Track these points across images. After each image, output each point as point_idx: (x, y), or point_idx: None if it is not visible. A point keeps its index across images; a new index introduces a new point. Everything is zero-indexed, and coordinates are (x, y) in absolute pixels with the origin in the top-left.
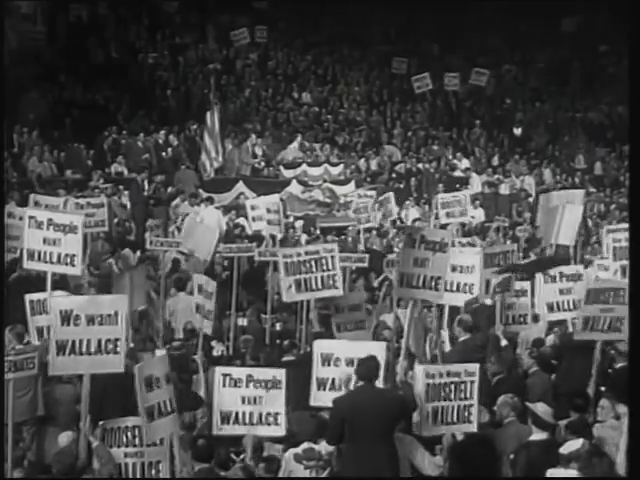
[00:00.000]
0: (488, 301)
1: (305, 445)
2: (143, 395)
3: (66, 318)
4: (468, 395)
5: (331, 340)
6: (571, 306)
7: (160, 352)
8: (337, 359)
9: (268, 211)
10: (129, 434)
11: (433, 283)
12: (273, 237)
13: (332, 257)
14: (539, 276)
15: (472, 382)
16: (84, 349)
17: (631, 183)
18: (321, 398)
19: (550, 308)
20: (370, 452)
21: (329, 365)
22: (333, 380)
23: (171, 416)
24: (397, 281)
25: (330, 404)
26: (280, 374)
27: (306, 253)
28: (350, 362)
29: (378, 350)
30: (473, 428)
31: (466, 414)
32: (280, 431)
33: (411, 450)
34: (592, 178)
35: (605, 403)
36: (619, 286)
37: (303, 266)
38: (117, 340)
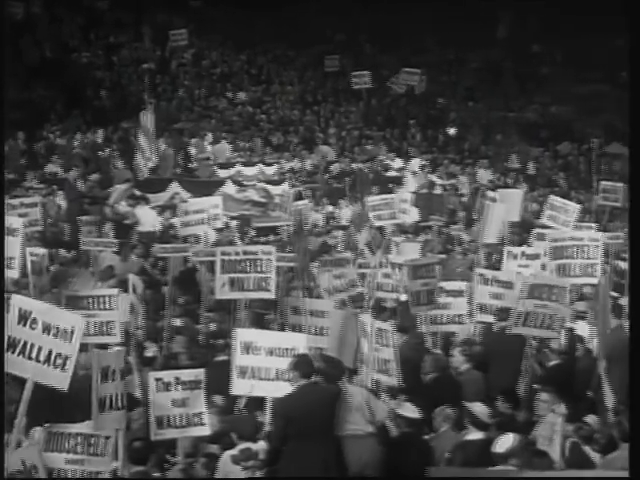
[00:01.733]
0: (403, 297)
1: (242, 445)
2: (97, 385)
3: (23, 318)
4: None
5: (252, 329)
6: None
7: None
8: (257, 348)
9: (200, 212)
10: (72, 441)
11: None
12: (206, 237)
13: (268, 260)
14: (476, 277)
15: None
16: (33, 354)
17: (631, 183)
18: (241, 386)
19: (481, 309)
20: (318, 449)
21: (249, 354)
22: (253, 369)
23: (121, 412)
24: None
25: (249, 393)
26: (200, 374)
27: (244, 253)
28: (270, 352)
29: (299, 342)
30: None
31: None
32: (206, 430)
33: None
34: (525, 177)
35: (546, 397)
36: (557, 284)
37: (239, 265)
38: (67, 358)
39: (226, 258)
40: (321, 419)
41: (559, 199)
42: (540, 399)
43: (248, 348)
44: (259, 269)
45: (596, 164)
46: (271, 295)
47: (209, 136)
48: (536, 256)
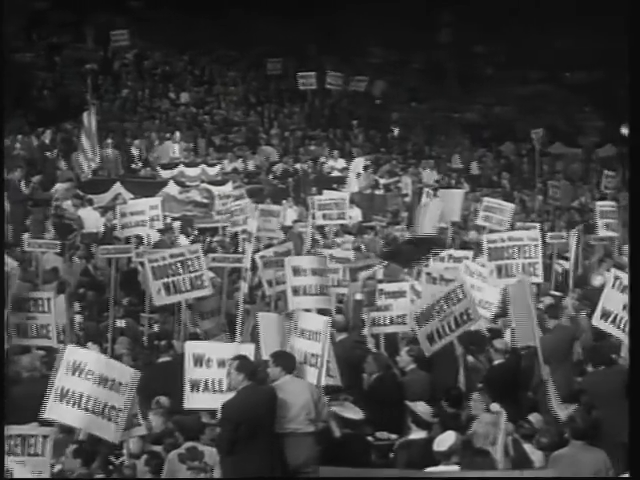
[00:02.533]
0: (358, 296)
1: (188, 444)
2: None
3: (77, 369)
4: None
5: (202, 341)
6: None
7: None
8: (209, 360)
9: (139, 214)
10: (12, 442)
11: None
12: (148, 239)
13: (197, 258)
14: (423, 276)
15: None
16: (89, 405)
17: (631, 183)
18: (195, 400)
19: None
20: (267, 450)
21: (201, 366)
22: (206, 382)
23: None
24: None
25: (204, 406)
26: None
27: (171, 256)
28: (221, 363)
29: (247, 351)
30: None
31: None
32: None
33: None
34: (468, 178)
35: (476, 397)
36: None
37: (170, 269)
38: (120, 411)
39: (155, 265)
40: (268, 419)
41: (493, 200)
42: (472, 398)
43: (200, 361)
44: (191, 269)
45: (539, 164)
46: (209, 291)
47: (176, 136)
48: (459, 259)
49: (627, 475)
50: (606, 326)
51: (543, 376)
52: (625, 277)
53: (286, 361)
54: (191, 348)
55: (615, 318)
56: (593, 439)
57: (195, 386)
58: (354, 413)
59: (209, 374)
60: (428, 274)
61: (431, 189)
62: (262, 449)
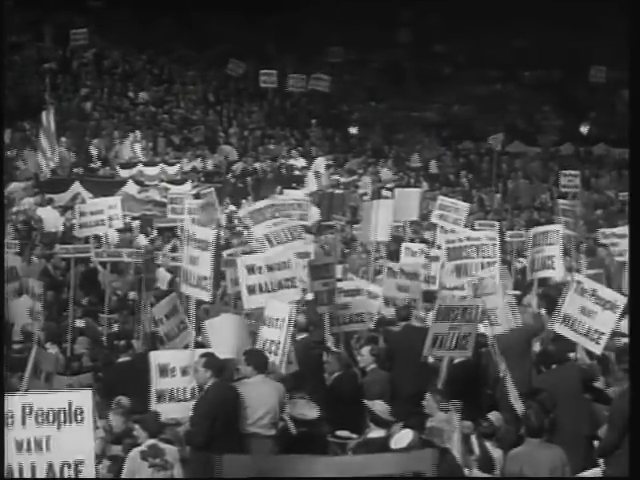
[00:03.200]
0: (309, 296)
1: (149, 442)
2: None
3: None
4: None
5: (165, 350)
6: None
7: None
8: (173, 369)
9: (97, 214)
10: None
11: None
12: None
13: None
14: (385, 270)
15: None
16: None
17: (631, 182)
18: (163, 410)
19: (387, 303)
20: (238, 447)
21: (166, 376)
22: (171, 391)
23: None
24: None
25: (172, 415)
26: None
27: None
28: (184, 371)
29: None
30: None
31: None
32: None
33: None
34: (427, 176)
35: (429, 396)
36: (469, 304)
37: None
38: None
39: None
40: (234, 417)
41: (448, 199)
42: (426, 397)
43: (165, 371)
44: None
45: (497, 163)
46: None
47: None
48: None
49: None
50: (566, 331)
51: (500, 373)
52: (586, 281)
53: (258, 360)
54: (155, 358)
55: (574, 323)
56: (550, 436)
57: (162, 397)
58: (308, 412)
59: (174, 383)
60: (389, 268)
61: (389, 188)
62: (233, 446)
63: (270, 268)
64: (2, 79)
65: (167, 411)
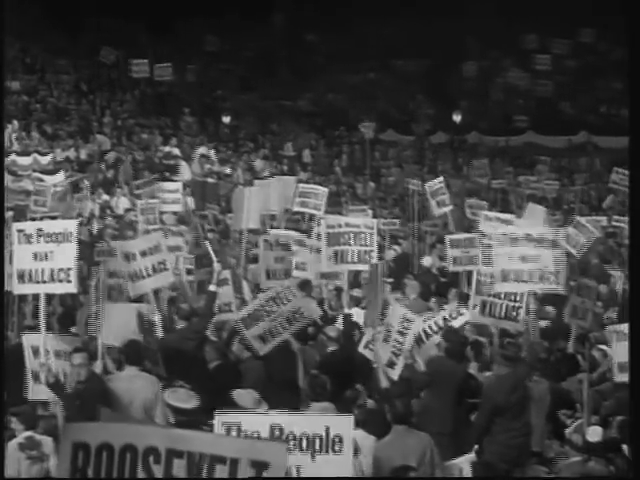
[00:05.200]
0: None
1: (26, 434)
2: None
3: None
4: None
5: (39, 334)
6: None
7: None
8: (47, 351)
9: None
10: None
11: None
12: None
13: None
14: (261, 243)
15: None
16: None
17: (631, 182)
18: (37, 391)
19: (268, 275)
20: None
21: (39, 358)
22: (44, 371)
23: None
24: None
25: (46, 396)
26: None
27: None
28: (58, 354)
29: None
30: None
31: None
32: None
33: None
34: (300, 165)
35: (303, 384)
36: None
37: None
38: None
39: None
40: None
41: (307, 185)
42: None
43: (37, 352)
44: None
45: (370, 152)
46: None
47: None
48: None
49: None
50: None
51: (371, 361)
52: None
53: (133, 353)
54: (28, 341)
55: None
56: (418, 422)
57: (36, 377)
58: (187, 401)
59: (47, 365)
60: (265, 240)
61: (262, 177)
62: None
63: (143, 253)
64: (2, 79)
65: (42, 392)
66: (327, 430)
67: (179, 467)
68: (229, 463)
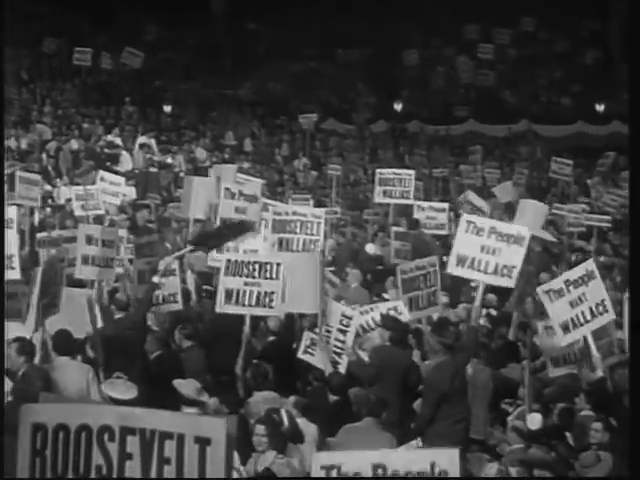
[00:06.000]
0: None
1: None
2: None
3: None
4: None
5: None
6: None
7: None
8: None
9: None
10: None
11: None
12: None
13: None
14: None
15: None
16: None
17: (631, 181)
18: None
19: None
20: None
21: None
22: None
23: None
24: None
25: None
26: None
27: None
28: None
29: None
30: None
31: None
32: None
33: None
34: (242, 154)
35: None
36: (270, 261)
37: None
38: None
39: None
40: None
41: (242, 175)
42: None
43: None
44: None
45: (310, 140)
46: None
47: None
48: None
49: None
50: (463, 272)
51: (319, 348)
52: (479, 221)
53: (62, 343)
54: None
55: (473, 262)
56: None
57: None
58: (125, 392)
59: None
60: (226, 189)
61: (205, 166)
62: None
63: (104, 243)
64: (2, 80)
65: None
66: (432, 466)
67: (133, 444)
68: (176, 438)
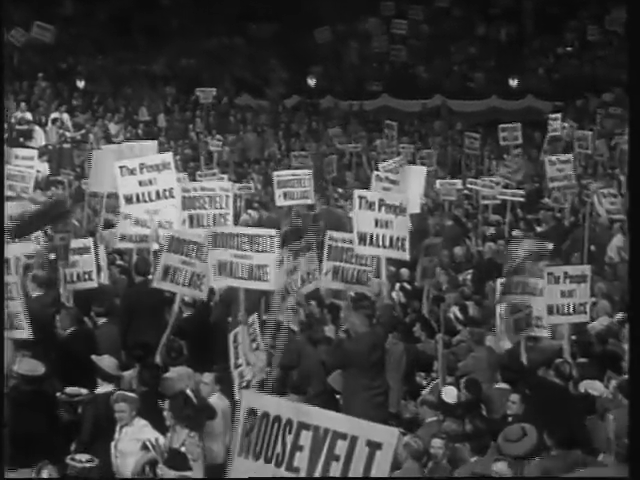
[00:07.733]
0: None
1: None
2: None
3: None
4: None
5: None
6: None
7: None
8: None
9: None
10: None
11: None
12: None
13: None
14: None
15: None
16: None
17: (630, 181)
18: None
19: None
20: None
21: None
22: None
23: None
24: None
25: None
26: None
27: None
28: None
29: None
30: None
31: None
32: None
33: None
34: (156, 130)
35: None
36: (201, 242)
37: None
38: None
39: None
40: None
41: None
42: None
43: None
44: None
45: (226, 115)
46: None
47: None
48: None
49: None
50: (366, 249)
51: (242, 321)
52: (370, 195)
53: None
54: None
55: (372, 238)
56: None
57: None
58: (34, 368)
59: None
60: (122, 167)
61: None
62: None
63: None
64: (2, 76)
65: None
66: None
67: (306, 438)
68: (349, 439)
